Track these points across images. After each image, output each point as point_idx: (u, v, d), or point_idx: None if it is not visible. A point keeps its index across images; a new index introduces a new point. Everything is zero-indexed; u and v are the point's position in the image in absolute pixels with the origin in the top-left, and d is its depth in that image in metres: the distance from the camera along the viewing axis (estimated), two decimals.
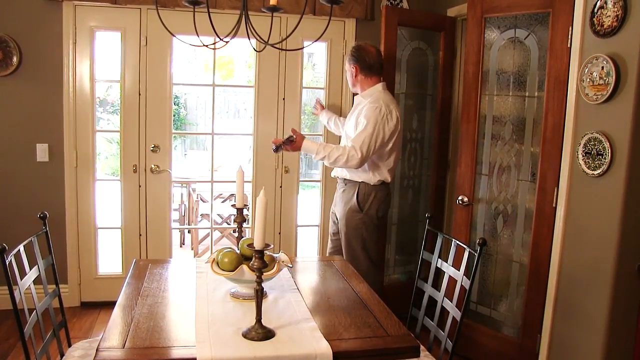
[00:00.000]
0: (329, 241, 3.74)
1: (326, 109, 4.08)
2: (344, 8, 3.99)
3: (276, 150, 3.39)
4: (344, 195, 3.46)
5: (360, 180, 3.37)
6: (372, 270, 3.47)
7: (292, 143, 3.31)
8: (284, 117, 4.20)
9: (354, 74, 3.41)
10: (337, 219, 3.57)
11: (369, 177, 3.35)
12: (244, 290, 2.25)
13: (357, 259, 3.41)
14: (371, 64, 3.38)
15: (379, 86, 3.39)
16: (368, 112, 3.24)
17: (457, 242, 2.54)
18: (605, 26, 2.54)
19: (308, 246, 4.93)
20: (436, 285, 2.64)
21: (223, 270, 2.19)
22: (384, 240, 3.94)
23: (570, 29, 2.83)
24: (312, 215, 4.03)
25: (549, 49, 2.96)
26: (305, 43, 3.84)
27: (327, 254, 3.80)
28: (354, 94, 3.59)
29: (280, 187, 4.27)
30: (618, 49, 2.49)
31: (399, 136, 3.36)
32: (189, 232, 6.32)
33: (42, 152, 3.88)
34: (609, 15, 2.51)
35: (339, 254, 3.61)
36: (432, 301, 2.61)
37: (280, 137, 3.87)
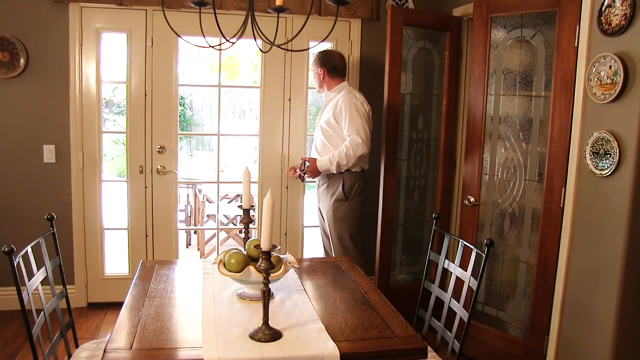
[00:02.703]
0: (322, 238, 3.89)
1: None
2: (349, 8, 3.99)
3: (302, 179, 3.81)
4: (329, 189, 3.65)
5: (346, 169, 3.58)
6: (360, 261, 3.63)
7: (308, 167, 3.65)
8: (290, 118, 4.20)
9: (321, 76, 3.70)
10: (322, 214, 3.75)
11: (354, 164, 3.58)
12: (251, 292, 2.25)
13: (346, 250, 3.62)
14: (337, 66, 3.70)
15: (345, 83, 3.74)
16: (346, 103, 3.53)
17: (464, 242, 2.53)
18: (613, 25, 2.53)
19: (315, 247, 4.92)
20: (443, 286, 2.63)
21: (230, 271, 2.19)
22: (390, 239, 3.93)
23: (577, 28, 2.81)
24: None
25: (555, 48, 2.95)
26: (311, 43, 3.86)
27: (324, 252, 3.91)
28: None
29: (287, 187, 4.27)
30: (626, 47, 2.47)
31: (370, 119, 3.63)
32: (195, 232, 6.34)
33: (48, 153, 3.90)
34: (617, 14, 2.49)
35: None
36: (439, 302, 2.60)
37: (295, 166, 4.05)
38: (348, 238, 3.66)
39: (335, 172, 3.58)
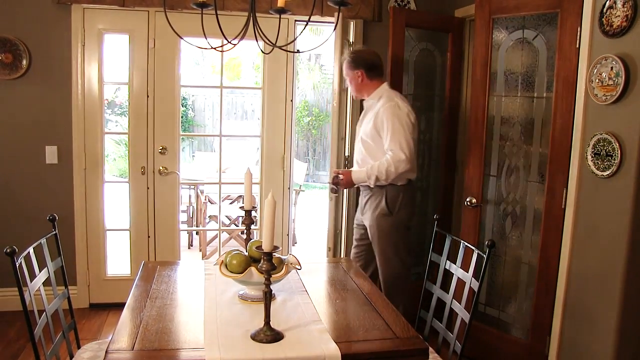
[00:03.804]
0: (354, 247, 3.61)
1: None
2: (351, 10, 3.98)
3: (335, 192, 3.56)
4: (372, 201, 3.32)
5: (387, 183, 3.24)
6: (405, 275, 3.36)
7: (341, 180, 3.37)
8: (291, 119, 4.20)
9: (360, 79, 3.32)
10: (364, 226, 3.45)
11: (396, 178, 3.24)
12: (253, 293, 2.25)
13: (391, 265, 3.32)
14: (374, 64, 3.33)
15: (385, 85, 3.35)
16: (388, 113, 3.17)
17: (466, 243, 2.54)
18: (614, 26, 2.53)
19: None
20: (445, 287, 2.64)
21: (231, 272, 2.19)
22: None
23: (578, 29, 2.81)
24: (322, 217, 4.00)
25: (557, 49, 2.95)
26: (314, 44, 3.84)
27: (352, 259, 3.55)
28: (361, 100, 3.52)
29: (289, 188, 4.28)
30: (627, 49, 2.47)
31: (415, 130, 3.31)
32: (197, 233, 6.34)
33: (51, 154, 3.91)
34: (618, 15, 2.49)
35: (363, 260, 3.51)
36: (441, 303, 2.60)
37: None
38: (393, 255, 3.31)
39: (373, 185, 3.27)
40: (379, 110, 3.21)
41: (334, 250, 4.01)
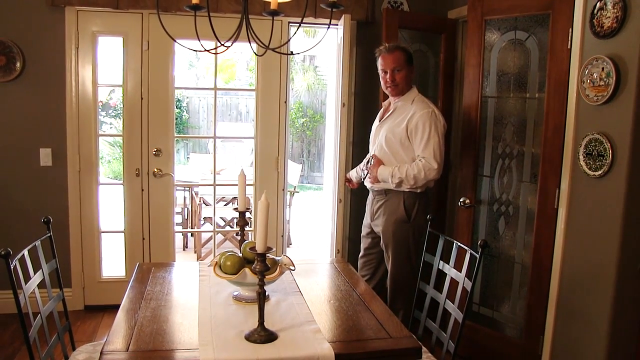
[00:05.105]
0: (361, 256, 3.54)
1: (352, 174, 3.74)
2: (344, 11, 3.99)
3: (362, 178, 3.44)
4: (387, 207, 3.24)
5: (406, 190, 3.17)
6: (412, 282, 3.22)
7: (371, 166, 3.27)
8: (286, 121, 4.21)
9: (411, 78, 3.26)
10: (373, 232, 3.38)
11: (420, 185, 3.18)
12: (247, 293, 2.26)
13: (401, 271, 3.26)
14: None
15: (415, 89, 3.27)
16: (425, 119, 3.10)
17: (459, 244, 2.55)
18: (605, 27, 2.55)
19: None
20: (438, 287, 2.65)
21: (225, 273, 2.20)
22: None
23: (570, 30, 2.84)
24: (317, 218, 4.01)
25: (549, 50, 2.97)
26: (306, 46, 3.84)
27: (359, 269, 3.52)
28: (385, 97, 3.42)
29: (283, 190, 4.29)
30: (618, 50, 2.49)
31: None
32: (191, 235, 6.34)
33: (45, 156, 3.90)
34: (609, 17, 2.52)
35: (372, 270, 3.46)
36: (434, 303, 2.62)
37: (349, 177, 3.74)
38: (406, 261, 3.24)
39: (393, 187, 3.19)
40: (414, 115, 3.13)
41: (342, 251, 4.00)
